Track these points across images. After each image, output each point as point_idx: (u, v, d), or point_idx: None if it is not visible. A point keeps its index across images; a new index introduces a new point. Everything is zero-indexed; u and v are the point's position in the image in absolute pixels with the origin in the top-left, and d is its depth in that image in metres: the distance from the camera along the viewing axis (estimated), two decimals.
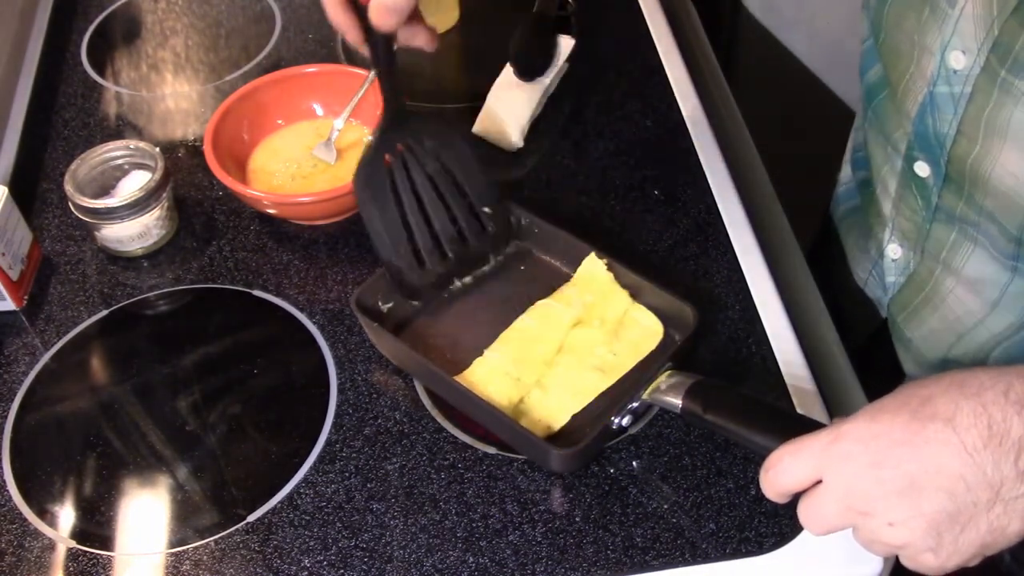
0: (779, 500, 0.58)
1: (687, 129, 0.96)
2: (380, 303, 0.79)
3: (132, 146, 0.88)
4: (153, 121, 1.02)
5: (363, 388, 0.77)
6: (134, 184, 0.86)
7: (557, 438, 0.72)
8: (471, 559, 0.67)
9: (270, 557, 0.68)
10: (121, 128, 1.01)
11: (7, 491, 0.73)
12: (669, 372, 0.70)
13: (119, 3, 1.16)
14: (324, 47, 1.08)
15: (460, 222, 0.79)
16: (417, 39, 0.71)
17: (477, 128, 0.95)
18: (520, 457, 0.72)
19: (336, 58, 1.06)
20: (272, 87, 0.93)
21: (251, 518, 0.70)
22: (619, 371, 0.75)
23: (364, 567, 0.67)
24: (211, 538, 0.69)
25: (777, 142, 1.12)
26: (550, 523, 0.69)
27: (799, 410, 0.74)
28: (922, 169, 0.72)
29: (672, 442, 0.73)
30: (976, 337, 0.75)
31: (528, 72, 0.95)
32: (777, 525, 0.68)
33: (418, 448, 0.73)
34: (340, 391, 0.77)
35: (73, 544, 0.70)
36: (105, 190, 0.88)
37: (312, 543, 0.68)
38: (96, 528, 0.70)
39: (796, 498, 0.57)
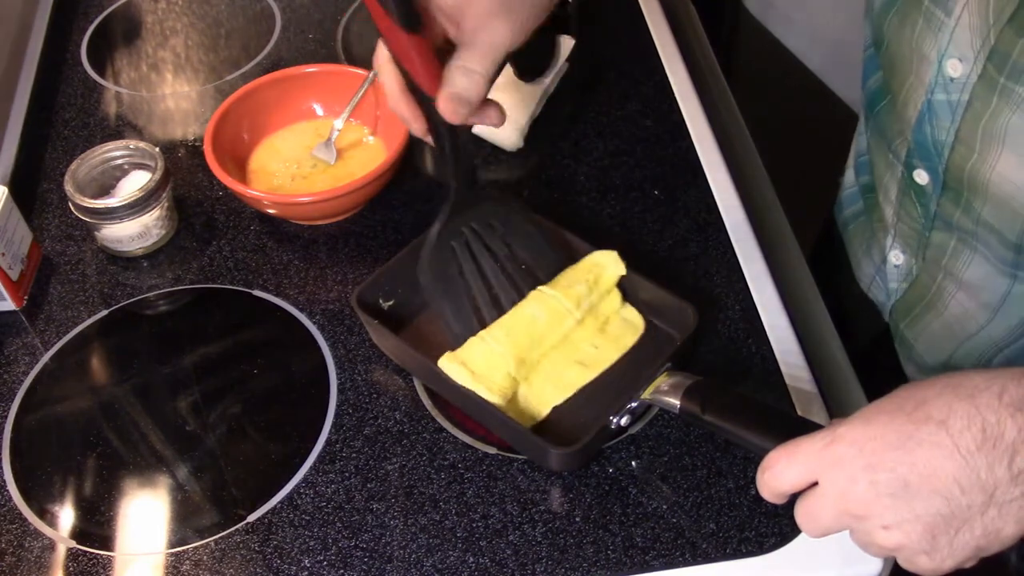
0: (776, 501, 0.58)
1: (687, 129, 0.96)
2: (381, 301, 0.79)
3: (132, 146, 0.88)
4: (153, 121, 1.02)
5: (363, 388, 0.77)
6: (134, 184, 0.86)
7: (557, 438, 0.72)
8: (471, 559, 0.67)
9: (270, 557, 0.68)
10: (121, 128, 1.01)
11: (7, 491, 0.73)
12: (668, 372, 0.70)
13: (119, 3, 1.16)
14: (324, 47, 1.08)
15: (524, 293, 0.77)
16: (487, 118, 0.67)
17: (477, 128, 0.95)
18: (520, 457, 0.72)
19: (336, 58, 1.06)
20: (272, 87, 0.93)
21: (251, 518, 0.70)
22: (601, 365, 0.76)
23: (364, 567, 0.67)
24: (211, 538, 0.69)
25: (777, 142, 1.12)
26: (550, 523, 0.69)
27: (799, 410, 0.74)
28: (921, 177, 0.72)
29: (672, 442, 0.73)
30: (978, 343, 0.76)
31: (528, 72, 0.95)
32: (777, 525, 0.68)
33: (418, 448, 0.73)
34: (340, 391, 0.77)
35: (73, 544, 0.70)
36: (105, 190, 0.88)
37: (312, 543, 0.68)
38: (96, 528, 0.70)
39: (796, 498, 0.57)
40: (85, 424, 0.76)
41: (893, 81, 0.73)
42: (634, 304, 0.79)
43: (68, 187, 0.85)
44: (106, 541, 0.70)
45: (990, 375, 0.52)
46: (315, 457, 0.73)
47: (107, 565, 0.69)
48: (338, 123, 0.93)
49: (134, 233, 0.86)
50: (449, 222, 0.74)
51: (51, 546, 0.70)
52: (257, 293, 0.85)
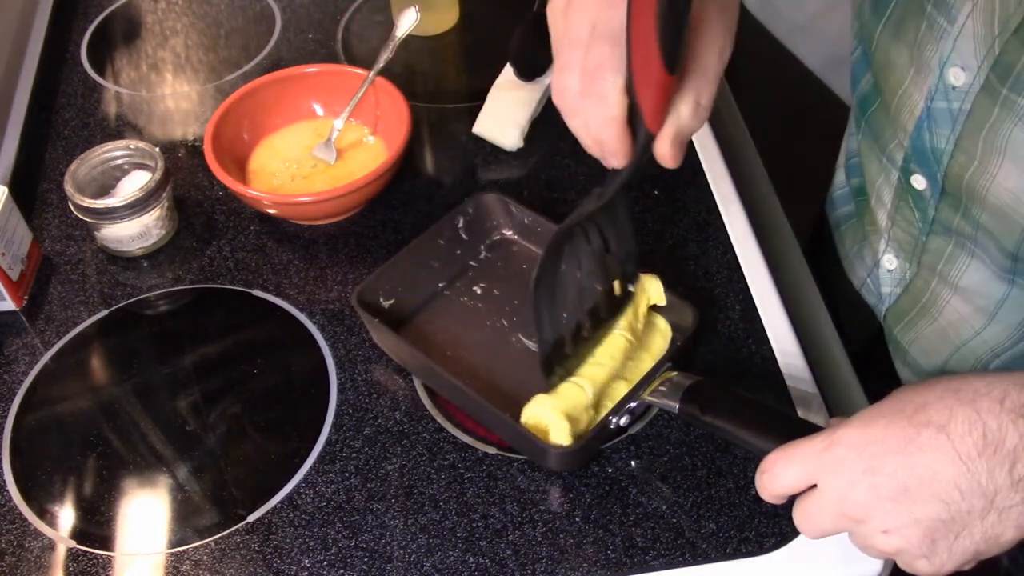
0: (774, 502, 0.58)
1: None
2: (381, 299, 0.79)
3: (132, 146, 0.88)
4: (153, 121, 1.02)
5: (363, 388, 0.77)
6: (134, 184, 0.86)
7: None
8: (471, 559, 0.67)
9: (270, 557, 0.68)
10: (121, 128, 1.01)
11: (7, 491, 0.73)
12: (668, 372, 0.70)
13: (119, 3, 1.16)
14: (324, 47, 1.08)
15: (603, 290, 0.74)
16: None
17: (477, 128, 0.95)
18: (520, 457, 0.72)
19: (336, 58, 1.06)
20: (272, 87, 0.93)
21: (251, 518, 0.70)
22: (639, 376, 0.73)
23: (364, 567, 0.67)
24: (211, 538, 0.69)
25: (777, 142, 1.12)
26: (550, 523, 0.69)
27: (798, 410, 0.74)
28: (919, 182, 0.71)
29: (672, 442, 0.73)
30: (973, 349, 0.75)
31: (528, 72, 0.95)
32: (777, 525, 0.68)
33: (418, 448, 0.73)
34: (340, 391, 0.77)
35: (73, 544, 0.70)
36: (105, 190, 0.88)
37: (312, 543, 0.68)
38: (96, 528, 0.70)
39: (795, 498, 0.57)
40: (85, 424, 0.76)
41: (885, 85, 0.72)
42: None
43: (68, 187, 0.85)
44: (106, 541, 0.70)
45: (990, 379, 0.52)
46: (315, 457, 0.73)
47: (107, 565, 0.69)
48: (338, 123, 0.93)
49: (134, 233, 0.86)
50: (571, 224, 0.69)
51: (51, 546, 0.70)
52: (257, 293, 0.85)
